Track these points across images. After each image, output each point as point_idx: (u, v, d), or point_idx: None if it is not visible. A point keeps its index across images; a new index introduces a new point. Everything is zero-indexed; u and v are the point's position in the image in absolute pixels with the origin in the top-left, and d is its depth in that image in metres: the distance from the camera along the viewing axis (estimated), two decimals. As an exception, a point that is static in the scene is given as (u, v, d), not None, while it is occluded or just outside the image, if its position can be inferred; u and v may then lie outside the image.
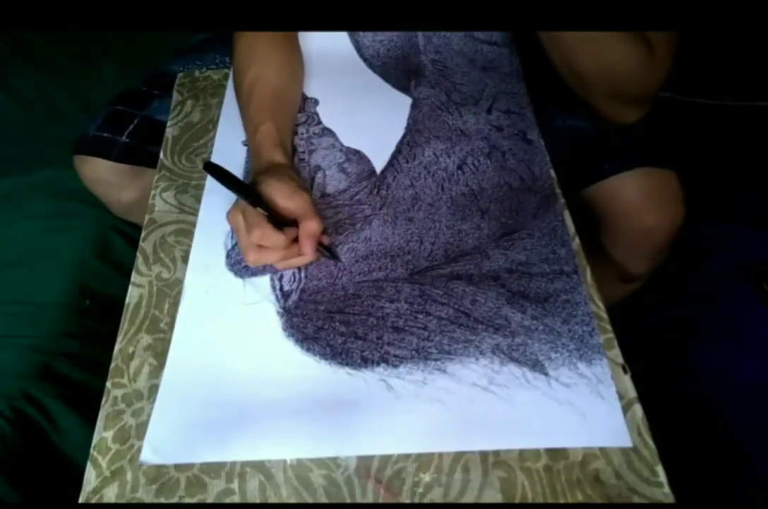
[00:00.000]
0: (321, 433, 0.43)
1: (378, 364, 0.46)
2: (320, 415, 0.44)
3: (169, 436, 0.43)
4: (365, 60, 0.71)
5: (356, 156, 0.62)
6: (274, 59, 0.62)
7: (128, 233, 0.93)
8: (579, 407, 0.43)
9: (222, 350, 0.48)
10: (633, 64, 0.57)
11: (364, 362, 0.46)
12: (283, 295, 0.51)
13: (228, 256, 0.54)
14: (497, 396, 0.44)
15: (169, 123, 0.68)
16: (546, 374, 0.45)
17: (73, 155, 0.78)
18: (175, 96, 0.71)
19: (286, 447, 0.42)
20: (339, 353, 0.47)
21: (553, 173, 0.58)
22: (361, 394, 0.45)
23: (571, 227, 0.54)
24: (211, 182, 0.60)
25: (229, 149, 0.63)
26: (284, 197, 0.48)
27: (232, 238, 0.55)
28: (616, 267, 0.78)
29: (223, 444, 0.43)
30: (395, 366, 0.46)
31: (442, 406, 0.44)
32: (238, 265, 0.53)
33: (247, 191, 0.48)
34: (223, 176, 0.48)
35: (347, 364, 0.46)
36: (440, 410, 0.43)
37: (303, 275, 0.52)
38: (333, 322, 0.49)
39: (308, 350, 0.47)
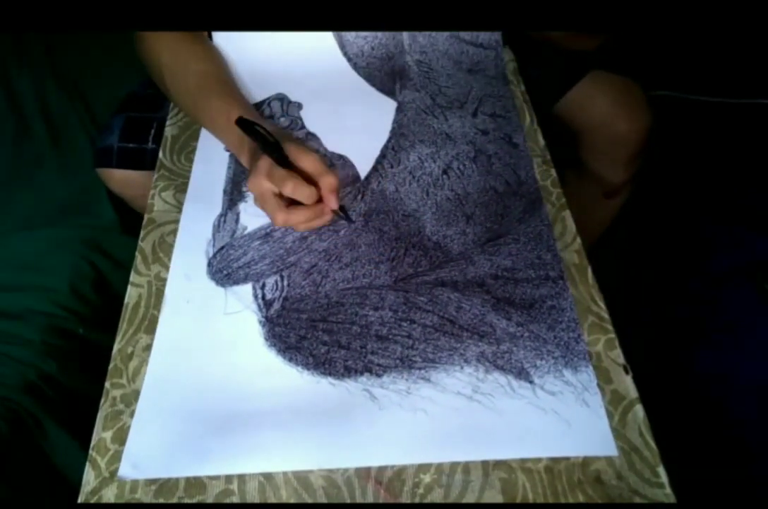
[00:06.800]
0: (303, 446, 0.42)
1: (361, 374, 0.45)
2: (303, 427, 0.43)
3: (149, 450, 0.42)
4: (349, 60, 0.69)
5: (340, 161, 0.61)
6: (195, 50, 0.64)
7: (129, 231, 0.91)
8: (564, 415, 0.42)
9: (203, 361, 0.47)
10: None
11: (348, 371, 0.46)
12: (266, 304, 0.50)
13: (209, 264, 0.53)
14: (482, 405, 0.43)
15: (168, 122, 0.68)
16: (531, 382, 0.44)
17: (97, 168, 0.77)
18: None
19: (268, 461, 0.42)
20: (322, 363, 0.46)
21: (538, 176, 0.58)
22: (345, 405, 0.44)
23: (572, 227, 0.54)
24: (192, 190, 0.59)
25: (212, 155, 0.62)
26: (300, 158, 0.49)
27: (213, 246, 0.54)
28: (598, 180, 0.86)
29: (203, 459, 0.42)
30: (379, 376, 0.45)
31: (426, 416, 0.43)
32: (220, 273, 0.52)
33: (277, 148, 0.49)
34: (255, 133, 0.49)
35: (330, 374, 0.46)
36: (424, 420, 0.43)
37: (286, 283, 0.51)
38: (316, 331, 0.48)
39: (290, 360, 0.46)
